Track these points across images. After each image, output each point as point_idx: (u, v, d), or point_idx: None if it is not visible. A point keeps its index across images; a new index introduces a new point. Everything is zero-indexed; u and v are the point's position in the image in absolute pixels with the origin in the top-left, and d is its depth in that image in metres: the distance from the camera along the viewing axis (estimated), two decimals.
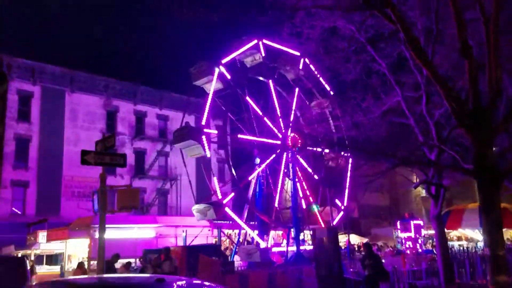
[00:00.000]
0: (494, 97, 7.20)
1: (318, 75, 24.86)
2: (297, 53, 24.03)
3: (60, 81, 35.50)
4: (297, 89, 24.90)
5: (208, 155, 20.81)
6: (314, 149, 24.55)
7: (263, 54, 23.30)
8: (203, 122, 20.75)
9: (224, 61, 22.08)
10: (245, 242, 24.31)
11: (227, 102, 23.64)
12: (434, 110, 15.72)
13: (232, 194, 22.84)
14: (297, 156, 24.42)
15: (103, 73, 38.32)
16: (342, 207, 25.65)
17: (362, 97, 18.20)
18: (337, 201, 25.63)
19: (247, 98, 23.61)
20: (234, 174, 22.86)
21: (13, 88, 33.14)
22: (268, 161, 23.46)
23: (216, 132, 23.33)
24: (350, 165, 25.72)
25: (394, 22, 7.43)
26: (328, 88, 25.24)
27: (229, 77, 22.17)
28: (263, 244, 22.03)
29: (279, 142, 23.81)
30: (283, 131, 23.89)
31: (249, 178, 23.58)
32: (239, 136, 23.34)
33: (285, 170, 24.50)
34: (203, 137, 20.38)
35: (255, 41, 23.09)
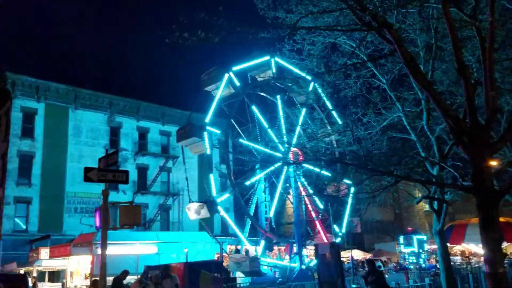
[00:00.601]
0: (491, 115, 7.28)
1: (327, 103, 24.42)
2: (309, 78, 23.66)
3: (64, 98, 35.82)
4: (304, 109, 24.85)
5: (209, 152, 21.11)
6: (315, 167, 24.54)
7: (274, 71, 23.57)
8: (207, 120, 21.11)
9: (234, 68, 22.50)
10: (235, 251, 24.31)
11: (232, 110, 23.82)
12: (435, 126, 15.79)
13: (227, 194, 23.00)
14: (299, 171, 24.42)
15: (106, 90, 38.72)
16: (340, 234, 25.62)
17: (363, 112, 18.29)
18: (335, 226, 25.53)
19: (254, 107, 23.83)
20: (232, 174, 22.95)
21: (17, 105, 33.44)
22: (267, 170, 23.50)
23: (219, 131, 23.32)
24: (351, 195, 25.60)
25: (392, 42, 7.56)
26: (336, 116, 24.74)
27: (238, 84, 22.54)
28: (252, 252, 21.99)
29: (280, 155, 23.89)
30: (286, 146, 23.96)
31: (247, 183, 23.69)
32: (241, 140, 23.60)
33: (287, 185, 24.53)
34: (205, 133, 20.74)
35: (268, 58, 23.37)
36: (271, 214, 24.14)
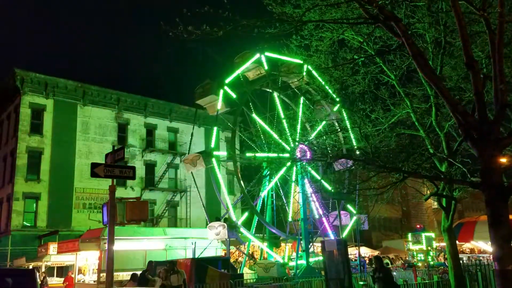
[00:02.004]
0: (500, 110, 7.16)
1: (323, 82, 24.32)
2: (300, 61, 23.58)
3: (72, 94, 36.03)
4: (301, 98, 24.71)
5: (223, 110, 21.97)
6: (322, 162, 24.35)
7: (266, 67, 23.42)
8: (227, 81, 21.70)
9: (228, 81, 22.32)
10: (253, 254, 24.25)
11: (236, 120, 23.79)
12: (444, 122, 15.63)
13: (225, 154, 23.18)
14: (307, 168, 24.32)
15: (114, 87, 38.89)
16: (355, 214, 25.46)
17: (371, 108, 18.14)
18: (349, 206, 25.46)
19: (254, 115, 23.73)
20: (245, 189, 22.89)
21: (26, 102, 33.68)
22: (278, 175, 23.47)
23: (235, 95, 23.11)
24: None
25: (399, 35, 7.45)
26: (333, 95, 24.66)
27: (234, 96, 22.43)
28: (277, 258, 22.00)
29: (287, 155, 23.74)
30: (291, 143, 23.81)
31: (261, 195, 23.66)
32: (247, 154, 23.58)
33: (295, 182, 24.44)
34: (221, 91, 21.38)
35: (257, 55, 23.20)
36: (289, 217, 24.06)
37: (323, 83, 22.67)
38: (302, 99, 24.88)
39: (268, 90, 25.29)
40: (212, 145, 21.26)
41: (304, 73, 23.49)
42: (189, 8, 6.59)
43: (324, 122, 24.49)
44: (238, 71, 23.15)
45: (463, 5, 8.75)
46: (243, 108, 23.53)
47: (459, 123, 7.50)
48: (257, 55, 23.23)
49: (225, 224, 20.42)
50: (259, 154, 23.09)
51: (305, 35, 16.42)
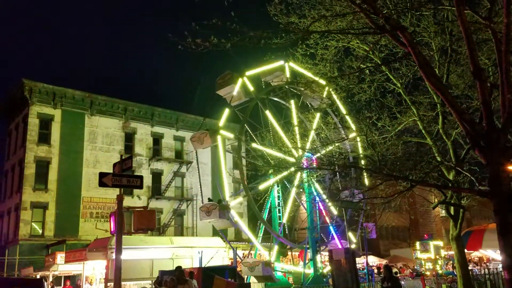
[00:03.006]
0: (508, 118, 7.15)
1: (343, 110, 24.13)
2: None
3: (80, 104, 36.32)
4: (318, 114, 24.69)
5: (240, 100, 22.53)
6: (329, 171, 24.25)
7: (288, 76, 23.57)
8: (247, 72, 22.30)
9: (248, 73, 22.66)
10: (249, 256, 24.11)
11: (246, 114, 23.87)
12: (451, 130, 15.59)
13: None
14: (313, 175, 24.27)
15: (121, 96, 39.20)
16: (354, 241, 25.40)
17: (377, 116, 18.14)
18: (350, 234, 25.30)
19: (267, 112, 23.84)
20: (245, 178, 22.99)
21: (34, 112, 33.99)
22: (280, 176, 23.38)
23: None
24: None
25: (405, 45, 7.49)
26: (351, 122, 24.33)
27: (252, 89, 22.66)
28: (266, 256, 21.87)
29: (293, 160, 23.77)
30: (300, 151, 23.81)
31: (260, 187, 23.69)
32: (253, 145, 23.66)
33: (300, 190, 24.39)
34: (241, 80, 22.10)
35: (281, 63, 23.43)
36: (284, 219, 24.04)
37: (308, 74, 22.58)
38: (292, 103, 24.99)
39: (278, 100, 25.45)
40: (221, 123, 21.47)
41: (325, 93, 23.74)
42: (197, 21, 6.69)
43: (318, 115, 24.46)
44: (259, 69, 23.39)
45: (468, 14, 8.78)
46: (251, 111, 23.79)
47: (466, 131, 7.50)
48: (281, 62, 23.51)
49: (216, 204, 20.37)
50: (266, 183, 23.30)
51: (310, 44, 16.50)
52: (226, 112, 22.08)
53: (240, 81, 22.35)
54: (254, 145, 23.78)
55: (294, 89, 24.88)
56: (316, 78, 21.94)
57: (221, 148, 21.44)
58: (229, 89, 22.59)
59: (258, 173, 25.54)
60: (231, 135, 22.53)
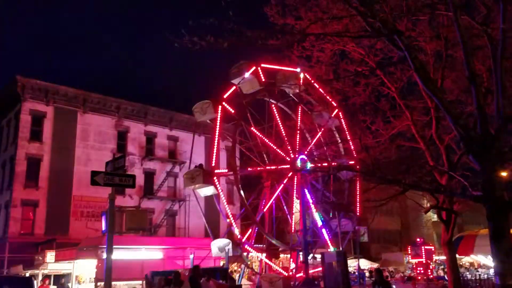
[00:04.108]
0: (502, 124, 7.17)
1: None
2: (297, 70, 23.39)
3: (73, 102, 36.03)
4: (300, 107, 24.65)
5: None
6: (322, 171, 24.29)
7: (263, 79, 23.52)
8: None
9: (263, 65, 22.56)
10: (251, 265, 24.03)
11: (234, 130, 23.81)
12: (444, 135, 15.67)
13: (225, 170, 23.17)
14: (306, 178, 24.28)
15: (114, 94, 38.91)
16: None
17: (371, 120, 18.20)
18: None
19: (252, 128, 23.77)
20: (239, 181, 22.90)
21: (27, 109, 33.69)
22: (279, 188, 23.45)
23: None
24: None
25: (402, 49, 7.49)
26: (330, 99, 24.42)
27: (232, 111, 22.52)
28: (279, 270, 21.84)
29: (288, 166, 23.70)
30: (291, 155, 23.77)
31: (264, 210, 23.65)
32: (249, 168, 23.58)
33: (296, 194, 24.37)
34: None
35: (253, 68, 23.30)
36: (293, 228, 24.00)
37: (321, 90, 22.67)
38: (300, 108, 24.89)
39: (266, 99, 25.32)
40: (225, 96, 21.56)
41: (301, 81, 23.65)
42: (195, 19, 6.63)
43: (321, 130, 24.54)
44: (274, 66, 23.21)
45: (464, 19, 8.80)
46: (243, 120, 23.62)
47: (460, 136, 7.52)
48: (253, 67, 23.27)
49: (201, 170, 20.53)
50: (259, 168, 23.16)
51: (306, 46, 16.52)
52: (233, 88, 22.10)
53: (254, 68, 22.41)
54: (253, 128, 23.62)
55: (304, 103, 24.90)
56: (328, 97, 21.94)
57: (219, 121, 21.52)
58: (243, 78, 22.57)
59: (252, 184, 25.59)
60: (232, 110, 22.44)
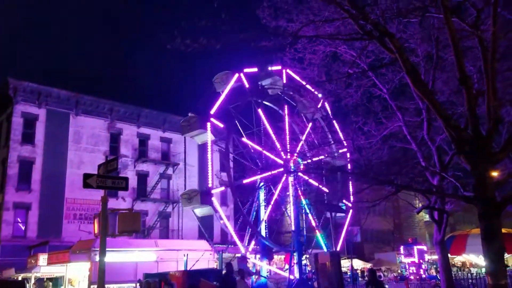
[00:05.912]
0: (493, 125, 7.26)
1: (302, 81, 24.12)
2: (320, 95, 22.83)
3: (65, 104, 35.84)
4: (310, 124, 24.87)
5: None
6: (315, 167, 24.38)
7: (247, 86, 23.72)
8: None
9: (213, 111, 22.46)
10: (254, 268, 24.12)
11: (237, 111, 23.92)
12: (435, 136, 15.78)
13: (222, 188, 23.15)
14: (299, 179, 24.35)
15: (107, 96, 38.75)
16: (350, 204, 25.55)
17: (363, 121, 18.30)
18: (345, 201, 25.55)
19: (244, 139, 23.84)
20: (232, 181, 22.99)
21: (19, 111, 33.47)
22: (277, 192, 23.54)
23: (222, 125, 23.14)
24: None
25: (393, 51, 7.55)
26: (314, 90, 24.27)
27: (221, 126, 22.57)
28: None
29: (281, 161, 23.83)
30: (288, 155, 23.86)
31: (244, 181, 23.74)
32: (243, 139, 23.69)
33: (287, 193, 24.43)
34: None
35: (236, 75, 23.49)
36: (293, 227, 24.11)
37: (302, 82, 22.71)
38: (286, 107, 25.04)
39: (271, 105, 25.60)
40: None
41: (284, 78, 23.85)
42: (188, 21, 6.66)
43: (310, 125, 24.62)
44: (220, 99, 23.27)
45: (455, 21, 8.89)
46: (234, 124, 23.83)
47: (452, 137, 7.59)
48: (279, 67, 23.52)
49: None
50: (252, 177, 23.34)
51: (298, 49, 16.57)
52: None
53: (237, 75, 22.57)
54: (243, 139, 23.74)
55: (290, 97, 24.98)
56: (313, 90, 22.09)
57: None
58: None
59: (245, 175, 25.50)
60: (221, 125, 22.48)
